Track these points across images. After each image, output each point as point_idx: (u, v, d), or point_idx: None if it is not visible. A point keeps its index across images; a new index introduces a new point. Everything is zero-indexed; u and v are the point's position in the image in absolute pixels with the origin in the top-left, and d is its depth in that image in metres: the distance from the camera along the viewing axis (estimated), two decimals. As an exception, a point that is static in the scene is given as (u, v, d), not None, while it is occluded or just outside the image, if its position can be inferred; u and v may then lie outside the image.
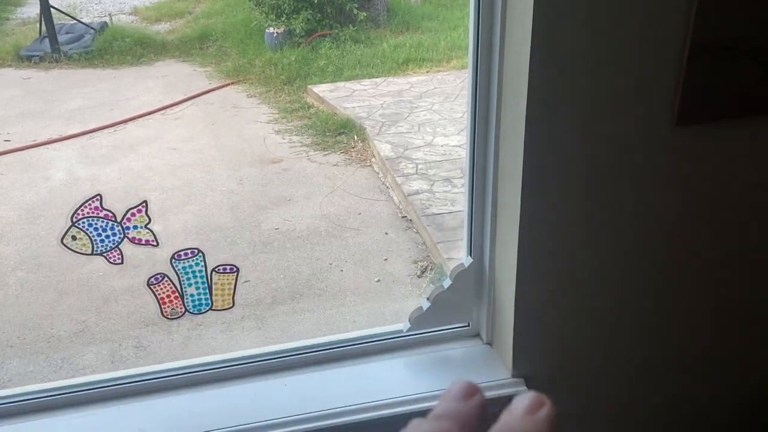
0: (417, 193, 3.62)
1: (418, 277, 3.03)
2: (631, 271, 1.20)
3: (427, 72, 5.63)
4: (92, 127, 4.88)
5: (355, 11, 6.47)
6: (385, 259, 3.16)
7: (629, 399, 1.33)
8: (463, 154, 4.14)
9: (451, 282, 1.31)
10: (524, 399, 0.37)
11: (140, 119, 5.09)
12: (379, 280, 3.01)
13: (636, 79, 1.04)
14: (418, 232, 3.37)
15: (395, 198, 3.73)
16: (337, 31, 6.33)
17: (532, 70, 0.99)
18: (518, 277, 1.17)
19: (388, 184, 3.87)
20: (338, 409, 1.21)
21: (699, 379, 1.35)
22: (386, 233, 3.38)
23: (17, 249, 3.36)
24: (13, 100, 5.48)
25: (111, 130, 4.88)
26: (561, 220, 1.13)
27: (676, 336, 1.28)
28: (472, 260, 1.29)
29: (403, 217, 3.53)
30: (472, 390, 0.38)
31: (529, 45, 0.98)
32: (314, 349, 1.33)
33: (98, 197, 1.10)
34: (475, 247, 1.28)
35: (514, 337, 1.23)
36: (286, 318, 2.76)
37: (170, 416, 1.21)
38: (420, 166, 3.94)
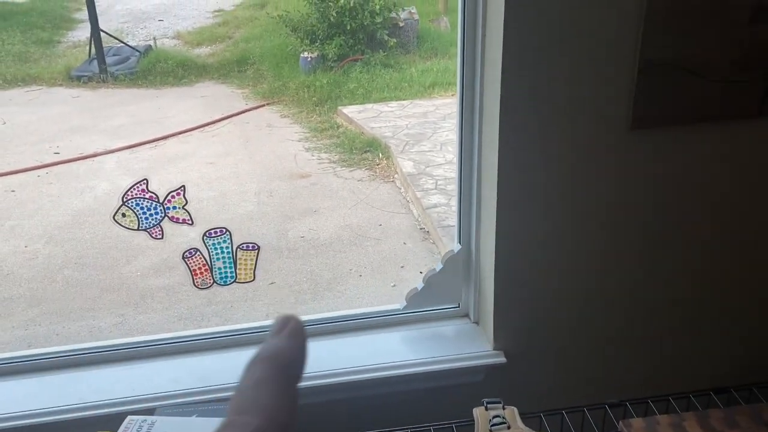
0: (435, 206, 3.82)
1: (432, 283, 3.22)
2: (593, 258, 1.38)
3: (452, 95, 5.86)
4: (135, 142, 5.21)
5: (386, 38, 6.76)
6: (402, 267, 3.36)
7: (598, 368, 1.50)
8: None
9: (442, 266, 1.50)
10: (273, 323, 0.41)
11: (180, 135, 5.40)
12: (394, 285, 3.21)
13: (595, 91, 1.23)
14: (434, 243, 3.57)
15: (414, 211, 3.93)
16: (368, 56, 6.61)
17: (504, 94, 1.20)
18: (496, 262, 1.36)
19: (408, 199, 4.09)
20: (341, 369, 1.41)
21: (669, 348, 1.51)
22: (404, 243, 3.59)
23: (64, 250, 3.65)
24: (63, 117, 5.86)
25: (152, 145, 5.20)
26: (531, 214, 1.32)
27: (641, 312, 1.45)
28: (460, 247, 1.49)
29: (421, 228, 3.73)
30: (282, 324, 0.41)
31: (500, 72, 1.18)
32: (321, 322, 1.53)
33: (145, 181, 1.33)
34: (463, 235, 1.48)
35: (494, 315, 1.42)
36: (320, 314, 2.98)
37: (197, 371, 1.43)
38: (439, 182, 4.14)
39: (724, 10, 1.19)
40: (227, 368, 1.42)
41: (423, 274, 1.53)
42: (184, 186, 1.34)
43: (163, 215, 1.35)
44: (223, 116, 5.77)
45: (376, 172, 4.51)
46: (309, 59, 6.56)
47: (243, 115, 5.88)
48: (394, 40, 6.79)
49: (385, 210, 3.96)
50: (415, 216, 3.90)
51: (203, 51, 7.68)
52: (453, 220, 3.70)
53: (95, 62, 6.76)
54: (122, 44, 7.25)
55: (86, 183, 4.54)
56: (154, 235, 1.37)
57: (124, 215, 1.34)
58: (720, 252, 1.41)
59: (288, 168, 4.71)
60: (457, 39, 1.33)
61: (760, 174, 1.34)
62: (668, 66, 1.23)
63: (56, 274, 3.43)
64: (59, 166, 4.85)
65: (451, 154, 4.63)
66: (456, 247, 1.49)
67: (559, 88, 1.22)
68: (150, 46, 7.43)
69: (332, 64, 6.54)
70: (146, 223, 1.35)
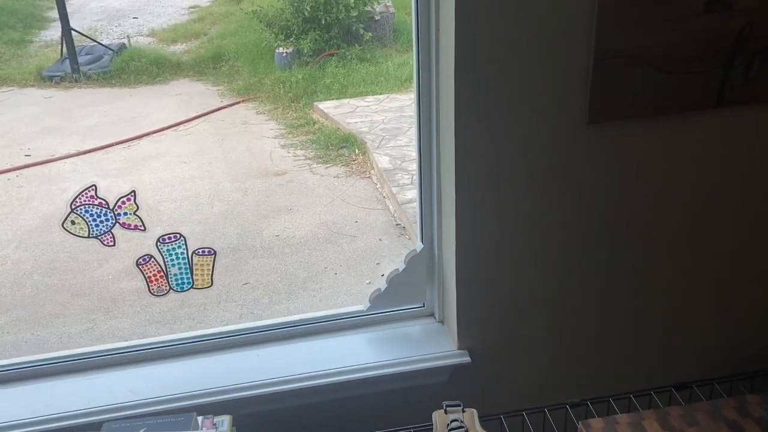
0: (411, 202, 3.80)
1: (407, 279, 3.19)
2: (553, 255, 1.36)
3: (429, 88, 5.84)
4: (108, 142, 5.13)
5: (362, 32, 6.70)
6: (377, 263, 3.33)
7: (561, 366, 1.49)
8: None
9: (405, 266, 1.48)
10: None
11: (153, 135, 5.33)
12: (370, 282, 3.18)
13: (551, 84, 1.21)
14: (410, 238, 3.55)
15: (391, 207, 3.91)
16: (343, 50, 6.55)
17: (458, 92, 1.17)
18: (457, 261, 1.34)
19: (384, 194, 4.06)
20: (305, 374, 1.38)
21: (631, 345, 1.50)
22: (380, 239, 3.56)
23: (34, 254, 3.58)
24: (35, 118, 5.76)
25: (125, 145, 5.12)
26: (489, 212, 1.30)
27: (604, 308, 1.44)
28: (423, 246, 1.46)
29: (397, 224, 3.71)
30: None
31: (453, 67, 1.15)
32: (284, 326, 1.50)
33: (93, 187, 1.29)
34: (425, 234, 1.45)
35: (457, 314, 1.40)
36: (282, 317, 2.94)
37: (156, 380, 1.39)
38: (415, 177, 4.11)
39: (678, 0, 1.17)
40: (191, 376, 1.39)
41: (385, 276, 1.51)
42: (134, 191, 1.31)
43: (113, 221, 1.31)
44: (197, 114, 5.70)
45: (352, 168, 4.48)
46: (284, 54, 6.50)
47: (218, 112, 5.82)
48: (370, 34, 6.75)
49: (361, 206, 3.93)
50: (392, 212, 3.88)
51: (178, 48, 7.58)
52: (428, 215, 3.69)
53: (67, 62, 6.64)
54: (95, 43, 7.13)
55: (58, 185, 4.47)
56: (105, 242, 1.33)
57: (73, 222, 1.30)
58: (680, 246, 1.40)
59: (263, 165, 4.66)
60: (412, 35, 1.30)
61: (720, 166, 1.33)
62: (623, 58, 1.21)
63: (25, 280, 3.37)
64: (30, 168, 4.77)
65: (427, 148, 4.61)
66: (419, 246, 1.47)
67: (514, 83, 1.19)
68: (124, 44, 7.32)
69: (308, 59, 6.48)
70: (96, 230, 1.31)
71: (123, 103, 6.13)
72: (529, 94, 1.21)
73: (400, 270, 1.48)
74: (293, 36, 6.66)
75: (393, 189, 3.96)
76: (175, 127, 5.45)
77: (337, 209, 3.92)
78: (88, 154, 4.95)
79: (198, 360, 1.44)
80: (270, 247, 3.52)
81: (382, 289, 1.50)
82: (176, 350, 1.45)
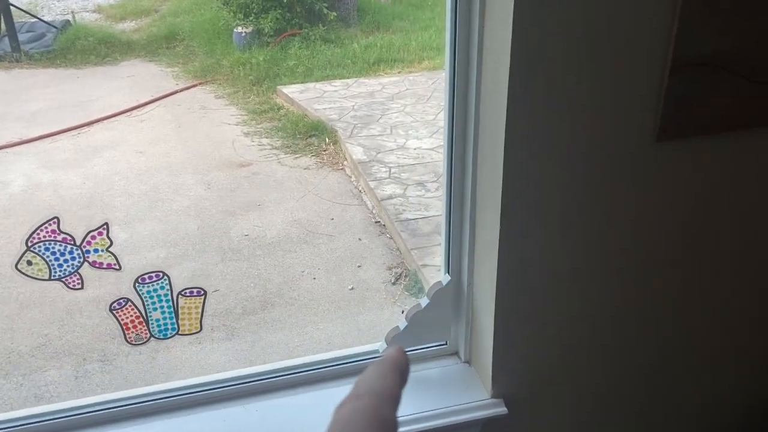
0: (390, 197, 3.58)
1: (393, 284, 2.98)
2: (613, 294, 1.17)
3: (399, 73, 5.59)
4: (54, 129, 4.74)
5: (325, 11, 6.41)
6: (359, 266, 3.11)
7: (607, 419, 1.31)
8: (436, 157, 4.12)
9: (429, 301, 1.27)
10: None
11: (105, 121, 4.96)
12: (352, 288, 2.96)
13: (618, 95, 1.01)
14: (391, 238, 3.33)
15: (368, 203, 3.68)
16: (306, 30, 6.25)
17: (510, 101, 0.96)
18: (498, 295, 1.14)
19: (360, 188, 3.82)
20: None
21: (671, 398, 1.33)
22: (360, 239, 3.34)
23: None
24: (-28, 102, 5.30)
25: (74, 132, 4.74)
26: (542, 240, 1.10)
27: (655, 356, 1.26)
28: (450, 278, 1.25)
29: (376, 222, 3.48)
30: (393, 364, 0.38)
31: (507, 73, 0.94)
32: (285, 372, 1.28)
33: (55, 220, 1.03)
34: (453, 265, 1.25)
35: (493, 356, 1.20)
36: (257, 329, 2.69)
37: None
38: (393, 170, 3.89)
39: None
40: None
41: (405, 312, 1.29)
42: (107, 224, 1.05)
43: (81, 260, 1.06)
44: (152, 98, 5.34)
45: (323, 159, 4.22)
46: (243, 34, 6.16)
47: (174, 96, 5.46)
48: (334, 14, 6.45)
49: (336, 201, 3.68)
50: (369, 208, 3.64)
51: (127, 26, 7.14)
52: (411, 213, 3.48)
53: (6, 40, 6.16)
54: (36, 19, 6.65)
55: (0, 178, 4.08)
56: (71, 285, 1.08)
57: (30, 263, 1.05)
58: (757, 286, 1.22)
59: (226, 156, 4.36)
60: (445, 33, 1.08)
61: (799, 188, 1.16)
62: (704, 65, 1.01)
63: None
64: (-33, 159, 4.36)
65: (403, 138, 4.37)
66: (444, 278, 1.26)
67: (577, 93, 0.99)
68: (68, 21, 6.86)
69: (269, 40, 6.16)
70: (60, 271, 1.06)
71: (69, 86, 5.71)
72: (593, 103, 1.00)
73: (423, 306, 1.27)
74: (253, 14, 6.32)
75: (370, 183, 3.73)
76: (128, 113, 5.09)
77: (310, 205, 3.67)
78: (33, 143, 4.56)
79: (172, 420, 1.20)
80: (239, 249, 3.25)
81: (402, 328, 1.29)
82: (145, 408, 1.20)
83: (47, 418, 1.16)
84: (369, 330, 2.64)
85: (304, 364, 1.29)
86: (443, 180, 1.20)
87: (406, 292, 2.92)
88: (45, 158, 4.36)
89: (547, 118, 1.00)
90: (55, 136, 4.69)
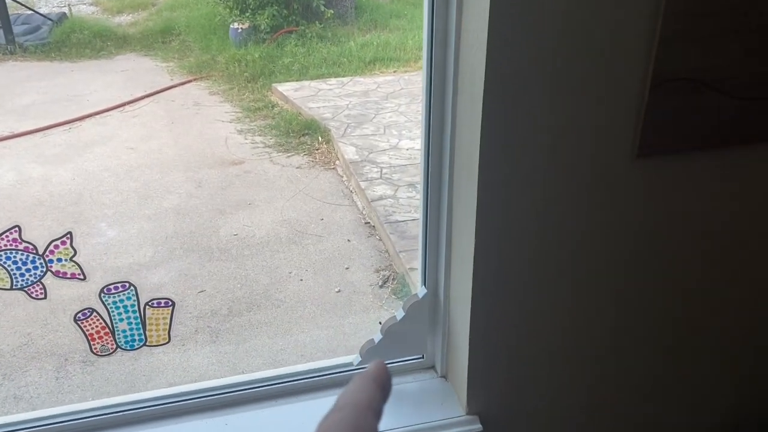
0: (381, 198, 3.55)
1: (380, 287, 2.96)
2: (590, 310, 1.15)
3: (395, 72, 5.56)
4: (46, 123, 4.71)
5: (322, 8, 6.38)
6: (347, 268, 3.08)
7: (587, 435, 1.29)
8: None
9: (404, 314, 1.24)
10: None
11: (98, 116, 4.93)
12: (339, 291, 2.93)
13: (597, 109, 0.99)
14: (381, 240, 3.30)
15: (359, 203, 3.65)
16: (303, 27, 6.22)
17: (485, 115, 0.93)
18: (473, 309, 1.11)
19: (351, 189, 3.80)
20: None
21: (652, 417, 1.31)
22: (348, 240, 3.31)
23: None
24: (-36, 95, 5.27)
25: (66, 127, 4.72)
26: (518, 255, 1.07)
27: (634, 375, 1.24)
28: (426, 291, 1.23)
29: (366, 223, 3.45)
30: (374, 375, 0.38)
31: (482, 87, 0.91)
32: (258, 384, 1.25)
33: (17, 228, 1.00)
34: (429, 277, 1.22)
35: (468, 372, 1.17)
36: (242, 331, 2.67)
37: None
38: (384, 171, 3.86)
39: (751, 11, 0.96)
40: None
41: (381, 325, 1.27)
42: (70, 233, 1.03)
43: (44, 270, 1.03)
44: (145, 94, 5.31)
45: (315, 158, 4.19)
46: (239, 30, 6.13)
47: (168, 92, 5.43)
48: (331, 11, 6.42)
49: (326, 201, 3.65)
50: (360, 208, 3.61)
51: (124, 20, 7.10)
52: (401, 215, 3.45)
53: (0, 32, 6.12)
54: (32, 11, 6.61)
55: (-11, 172, 4.05)
56: (33, 295, 1.05)
57: (-10, 272, 1.02)
58: (732, 306, 1.20)
59: (218, 153, 4.33)
60: (423, 41, 1.05)
61: (782, 206, 1.13)
62: (685, 81, 0.99)
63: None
64: (-42, 152, 4.33)
65: (396, 138, 4.34)
66: (421, 291, 1.23)
67: (554, 110, 0.96)
68: (64, 13, 6.82)
69: (265, 36, 6.13)
70: (22, 280, 1.03)
71: (63, 80, 5.67)
72: (569, 120, 0.98)
73: (399, 318, 1.25)
74: (249, 10, 6.29)
75: (361, 183, 3.70)
76: (121, 108, 5.05)
77: (301, 204, 3.64)
78: (24, 137, 4.53)
79: (153, 430, 1.18)
80: (228, 248, 3.22)
81: (376, 341, 1.26)
82: (107, 421, 1.18)
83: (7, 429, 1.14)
84: (354, 334, 2.62)
85: (277, 376, 1.27)
86: (421, 197, 1.18)
87: (393, 296, 2.90)
88: (35, 153, 4.33)
89: (523, 136, 0.97)
90: (46, 131, 4.66)
